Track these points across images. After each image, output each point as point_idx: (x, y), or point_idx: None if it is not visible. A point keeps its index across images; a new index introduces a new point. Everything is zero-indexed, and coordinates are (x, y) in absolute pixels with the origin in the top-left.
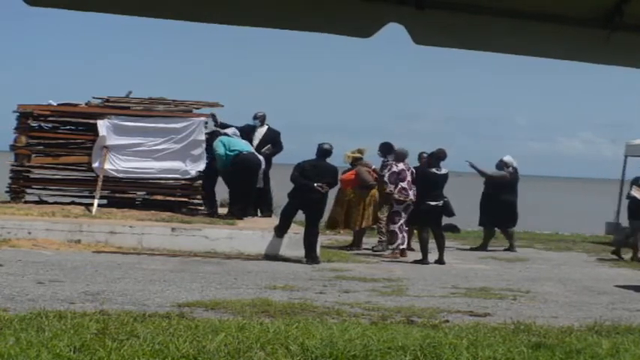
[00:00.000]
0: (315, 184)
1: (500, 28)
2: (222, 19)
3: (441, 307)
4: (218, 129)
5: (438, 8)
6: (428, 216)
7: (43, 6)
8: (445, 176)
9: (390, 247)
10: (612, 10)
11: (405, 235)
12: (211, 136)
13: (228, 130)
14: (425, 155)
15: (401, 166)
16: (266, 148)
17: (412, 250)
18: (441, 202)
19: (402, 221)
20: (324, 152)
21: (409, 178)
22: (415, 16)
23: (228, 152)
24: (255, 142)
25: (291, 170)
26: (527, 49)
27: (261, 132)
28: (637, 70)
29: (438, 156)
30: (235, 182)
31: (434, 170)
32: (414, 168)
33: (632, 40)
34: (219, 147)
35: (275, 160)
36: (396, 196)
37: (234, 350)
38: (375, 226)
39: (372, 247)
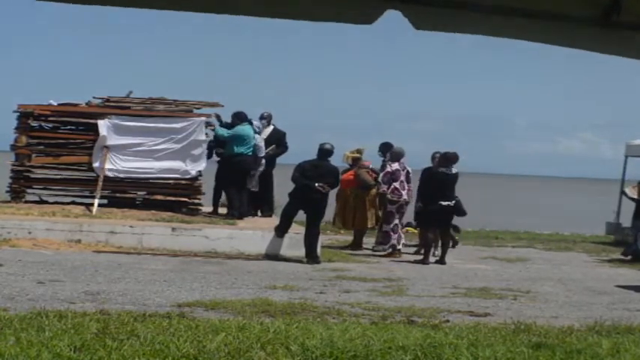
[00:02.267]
0: (317, 185)
1: (497, 21)
2: (222, 8)
3: (441, 307)
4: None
5: (434, 6)
6: (439, 216)
7: (47, 0)
8: (455, 176)
9: (383, 247)
10: (610, 6)
11: (401, 234)
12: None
13: (255, 123)
14: (437, 155)
15: (395, 166)
16: (270, 148)
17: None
18: (453, 201)
19: (395, 222)
20: (325, 152)
21: (402, 177)
22: (415, 4)
23: (236, 145)
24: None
25: (292, 170)
26: (524, 36)
27: (266, 132)
28: (637, 71)
29: (449, 158)
30: (228, 182)
31: (443, 170)
32: (426, 168)
33: (629, 36)
34: (233, 132)
35: (276, 160)
36: (389, 196)
37: (234, 350)
38: (375, 226)
39: (372, 247)
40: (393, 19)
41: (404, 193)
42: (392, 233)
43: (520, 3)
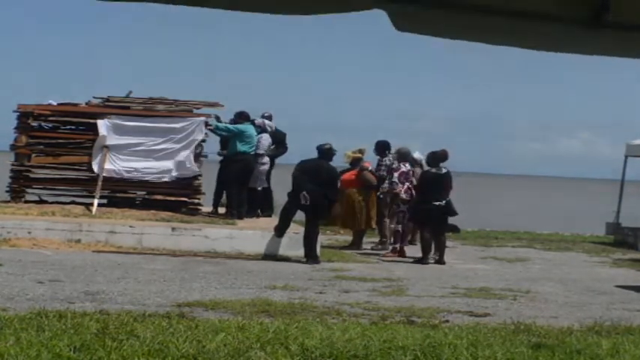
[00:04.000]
0: (302, 194)
1: (485, 23)
2: (210, 2)
3: (440, 307)
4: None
5: (420, 3)
6: (430, 215)
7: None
8: (444, 175)
9: (392, 245)
10: (600, 6)
11: (406, 234)
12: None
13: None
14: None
15: (408, 166)
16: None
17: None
18: (444, 201)
19: (404, 221)
20: (324, 152)
21: (412, 177)
22: (398, 5)
23: (239, 143)
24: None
25: (292, 170)
26: (513, 42)
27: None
28: (637, 70)
29: (438, 156)
30: (229, 181)
31: (434, 170)
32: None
33: (621, 36)
34: (236, 128)
35: (275, 160)
36: (404, 196)
37: (234, 350)
38: (375, 226)
39: (372, 247)
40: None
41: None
42: (400, 232)
43: (507, 3)
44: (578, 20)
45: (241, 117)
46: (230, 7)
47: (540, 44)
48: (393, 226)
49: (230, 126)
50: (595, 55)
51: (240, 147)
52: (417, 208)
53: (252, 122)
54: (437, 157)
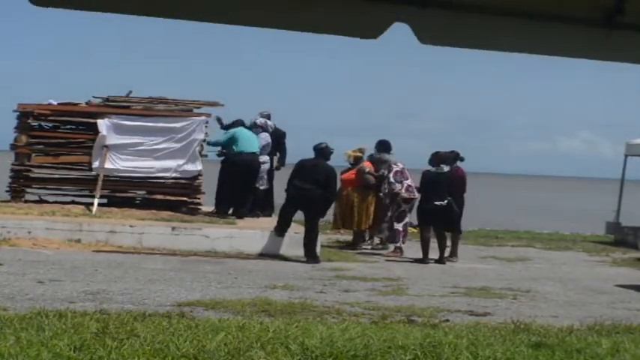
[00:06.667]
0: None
1: (503, 27)
2: (227, 19)
3: (441, 306)
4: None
5: (442, 7)
6: (432, 215)
7: (45, 6)
8: (445, 175)
9: (393, 245)
10: (613, 8)
11: (406, 233)
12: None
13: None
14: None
15: (400, 165)
16: (275, 166)
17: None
18: (445, 201)
19: (406, 220)
20: (319, 151)
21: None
22: (420, 16)
23: (234, 145)
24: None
25: (290, 170)
26: (529, 47)
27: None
28: (637, 71)
29: (440, 157)
30: (233, 182)
31: (434, 169)
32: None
33: (632, 38)
34: (227, 135)
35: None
36: (405, 194)
37: (234, 349)
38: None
39: (372, 247)
40: (395, 28)
41: (416, 190)
42: (401, 231)
43: (522, 4)
44: (591, 22)
45: (235, 123)
46: (253, 24)
47: (556, 51)
48: (394, 225)
49: (220, 139)
50: (606, 60)
51: (236, 148)
52: (419, 208)
53: (253, 124)
54: (440, 158)
